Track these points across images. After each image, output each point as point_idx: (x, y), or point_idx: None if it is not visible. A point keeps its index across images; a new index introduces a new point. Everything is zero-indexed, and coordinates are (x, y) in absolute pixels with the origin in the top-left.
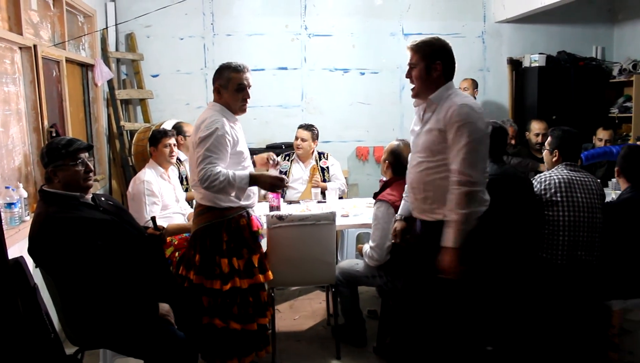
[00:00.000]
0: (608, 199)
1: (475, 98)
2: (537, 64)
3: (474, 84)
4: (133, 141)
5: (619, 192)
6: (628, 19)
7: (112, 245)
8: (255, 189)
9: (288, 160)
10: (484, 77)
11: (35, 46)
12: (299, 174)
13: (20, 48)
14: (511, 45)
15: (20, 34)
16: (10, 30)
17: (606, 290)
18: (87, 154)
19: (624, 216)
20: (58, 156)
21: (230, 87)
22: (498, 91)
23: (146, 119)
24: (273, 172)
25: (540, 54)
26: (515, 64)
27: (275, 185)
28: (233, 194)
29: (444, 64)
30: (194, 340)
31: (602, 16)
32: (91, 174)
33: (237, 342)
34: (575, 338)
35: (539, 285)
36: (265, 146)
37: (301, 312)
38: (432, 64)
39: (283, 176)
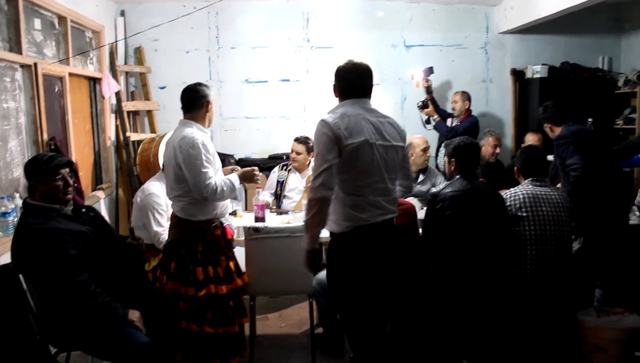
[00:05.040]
0: None
1: (467, 109)
2: (539, 75)
3: (464, 97)
4: (138, 151)
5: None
6: (636, 29)
7: (84, 254)
8: (228, 201)
9: (285, 170)
10: (487, 89)
11: (35, 64)
12: (295, 184)
13: (21, 66)
14: (515, 56)
15: (20, 53)
16: (10, 50)
17: (579, 302)
18: (67, 169)
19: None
20: (39, 171)
21: (212, 104)
22: (501, 102)
23: (152, 129)
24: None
25: (543, 65)
26: (518, 75)
27: (252, 176)
28: (233, 196)
29: (336, 83)
30: (167, 345)
31: (609, 26)
32: (70, 188)
33: (219, 344)
34: (550, 352)
35: (511, 300)
36: (267, 157)
37: (289, 320)
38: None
39: (253, 167)
